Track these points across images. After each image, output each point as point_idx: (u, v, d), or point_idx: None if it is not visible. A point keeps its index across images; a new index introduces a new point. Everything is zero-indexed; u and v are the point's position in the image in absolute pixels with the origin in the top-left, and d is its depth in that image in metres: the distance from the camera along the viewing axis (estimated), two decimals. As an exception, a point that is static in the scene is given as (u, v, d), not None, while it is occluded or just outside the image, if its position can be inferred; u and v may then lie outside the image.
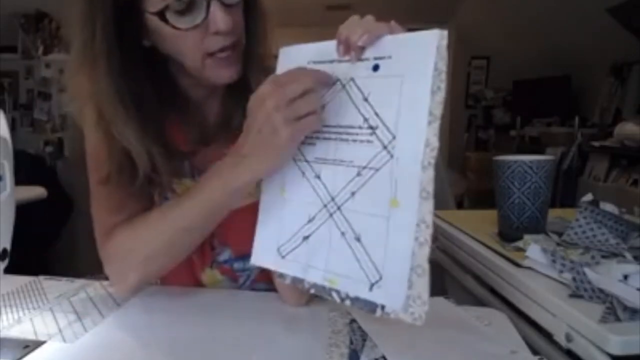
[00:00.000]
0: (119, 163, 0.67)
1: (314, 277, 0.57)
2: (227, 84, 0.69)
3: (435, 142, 0.49)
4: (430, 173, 0.49)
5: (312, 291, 0.58)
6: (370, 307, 0.52)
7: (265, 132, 0.54)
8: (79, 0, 0.62)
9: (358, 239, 0.53)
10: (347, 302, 0.55)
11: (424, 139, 0.49)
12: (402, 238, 0.50)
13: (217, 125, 0.76)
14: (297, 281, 0.59)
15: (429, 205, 0.49)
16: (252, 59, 0.71)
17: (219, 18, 0.61)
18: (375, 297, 0.52)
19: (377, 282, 0.52)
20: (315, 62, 0.58)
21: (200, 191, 0.63)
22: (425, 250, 0.49)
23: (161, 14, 0.60)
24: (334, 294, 0.56)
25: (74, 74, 0.65)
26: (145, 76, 0.68)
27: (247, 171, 0.58)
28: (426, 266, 0.49)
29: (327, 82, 0.57)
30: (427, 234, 0.49)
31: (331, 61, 0.57)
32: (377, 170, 0.52)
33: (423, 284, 0.49)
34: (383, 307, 0.51)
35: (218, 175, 0.61)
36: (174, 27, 0.61)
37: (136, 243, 0.68)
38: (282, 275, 0.61)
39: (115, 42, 0.63)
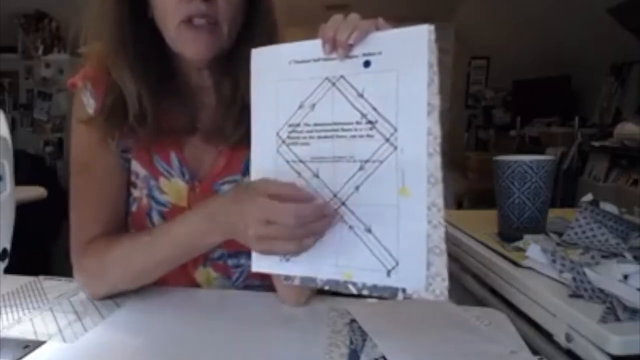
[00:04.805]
0: (112, 101, 0.72)
1: (325, 273, 0.58)
2: (199, 61, 0.71)
3: (437, 131, 0.50)
4: (437, 160, 0.50)
5: (327, 287, 0.58)
6: (391, 292, 0.54)
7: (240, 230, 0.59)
8: None
9: (369, 230, 0.54)
10: (365, 292, 0.56)
11: (426, 128, 0.51)
12: (415, 223, 0.51)
13: (207, 123, 0.77)
14: (307, 280, 0.59)
15: (439, 189, 0.50)
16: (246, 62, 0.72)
17: None
18: (394, 282, 0.53)
19: (394, 268, 0.53)
20: (297, 62, 0.58)
21: (175, 230, 0.67)
22: (440, 232, 0.50)
23: None
24: (350, 286, 0.57)
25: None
26: (148, 47, 0.72)
27: (220, 235, 0.64)
28: (443, 246, 0.50)
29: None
30: (439, 216, 0.50)
31: (316, 60, 0.57)
32: (381, 162, 0.53)
33: (441, 262, 0.51)
34: (404, 290, 0.53)
35: (195, 225, 0.65)
36: None
37: (110, 267, 0.72)
38: (288, 278, 0.60)
39: (125, 10, 0.70)
